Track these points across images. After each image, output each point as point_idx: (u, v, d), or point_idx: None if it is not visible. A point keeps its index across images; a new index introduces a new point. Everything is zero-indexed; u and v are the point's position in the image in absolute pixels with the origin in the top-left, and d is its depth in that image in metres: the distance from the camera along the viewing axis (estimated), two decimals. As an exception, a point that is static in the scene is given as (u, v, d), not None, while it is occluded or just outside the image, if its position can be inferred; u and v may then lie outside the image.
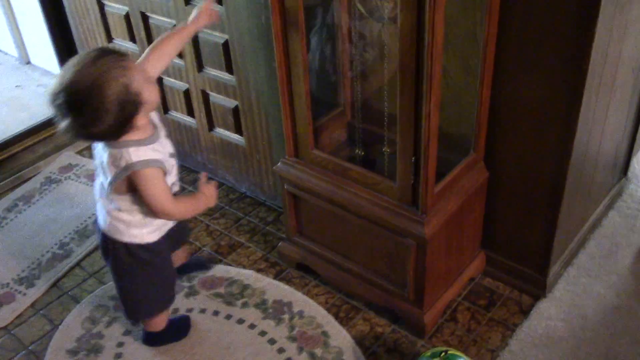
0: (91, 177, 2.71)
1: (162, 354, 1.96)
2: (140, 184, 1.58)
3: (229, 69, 2.25)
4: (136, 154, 1.55)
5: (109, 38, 2.62)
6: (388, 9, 1.70)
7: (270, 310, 2.07)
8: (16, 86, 3.49)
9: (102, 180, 1.65)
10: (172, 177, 1.72)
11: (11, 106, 3.31)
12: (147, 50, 1.70)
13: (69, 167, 2.81)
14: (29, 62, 3.68)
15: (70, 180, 2.73)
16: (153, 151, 1.60)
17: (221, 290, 2.16)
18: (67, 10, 2.57)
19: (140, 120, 1.54)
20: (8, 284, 2.26)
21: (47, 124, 3.09)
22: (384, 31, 1.76)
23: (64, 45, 2.85)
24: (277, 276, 2.22)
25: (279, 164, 2.03)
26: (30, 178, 2.78)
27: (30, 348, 2.03)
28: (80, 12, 2.53)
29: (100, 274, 2.28)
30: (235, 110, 2.36)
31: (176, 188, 1.77)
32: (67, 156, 2.88)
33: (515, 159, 1.90)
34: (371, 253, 1.95)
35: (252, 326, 2.03)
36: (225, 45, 2.20)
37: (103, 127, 1.45)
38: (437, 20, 1.44)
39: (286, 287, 2.16)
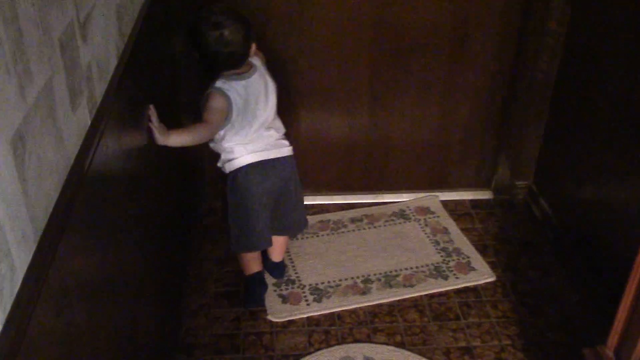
0: (434, 231, 2.61)
1: None
2: None
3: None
4: None
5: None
6: None
7: None
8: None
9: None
10: None
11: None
12: None
13: (424, 211, 2.75)
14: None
15: (416, 223, 2.67)
16: None
17: None
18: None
19: None
20: (305, 286, 2.36)
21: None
22: None
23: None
24: None
25: (587, 348, 1.58)
26: (391, 203, 2.79)
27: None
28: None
29: (389, 334, 2.17)
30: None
31: None
32: (429, 199, 2.82)
33: None
34: None
35: None
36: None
37: None
38: None
39: None
